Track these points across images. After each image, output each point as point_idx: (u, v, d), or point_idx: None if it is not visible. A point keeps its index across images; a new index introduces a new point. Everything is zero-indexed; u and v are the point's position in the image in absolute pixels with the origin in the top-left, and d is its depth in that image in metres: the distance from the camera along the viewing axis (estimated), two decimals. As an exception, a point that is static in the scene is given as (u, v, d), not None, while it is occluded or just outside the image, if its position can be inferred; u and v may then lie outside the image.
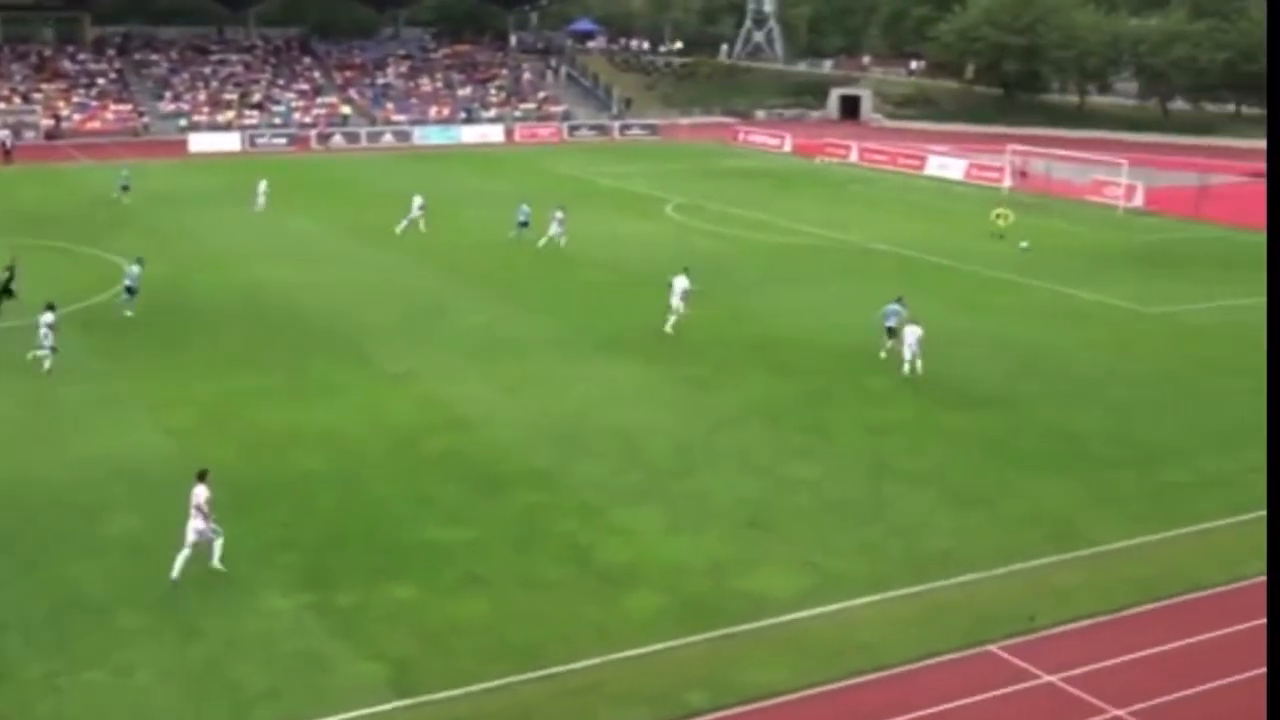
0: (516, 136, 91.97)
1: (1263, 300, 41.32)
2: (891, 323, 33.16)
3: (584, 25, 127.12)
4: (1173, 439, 27.41)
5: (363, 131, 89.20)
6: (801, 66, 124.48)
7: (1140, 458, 26.20)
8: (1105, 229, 52.12)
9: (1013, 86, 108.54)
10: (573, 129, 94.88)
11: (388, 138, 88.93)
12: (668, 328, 35.03)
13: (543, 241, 47.62)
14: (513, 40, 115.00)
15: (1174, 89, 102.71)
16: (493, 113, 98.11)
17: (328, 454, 25.44)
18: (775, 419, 28.16)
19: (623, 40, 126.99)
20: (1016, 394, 30.51)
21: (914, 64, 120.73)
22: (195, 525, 19.80)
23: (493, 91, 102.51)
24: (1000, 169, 70.16)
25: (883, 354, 32.75)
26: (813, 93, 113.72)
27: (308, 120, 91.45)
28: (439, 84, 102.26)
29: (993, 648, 18.41)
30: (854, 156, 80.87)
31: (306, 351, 32.94)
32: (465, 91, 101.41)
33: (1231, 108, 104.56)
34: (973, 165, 73.37)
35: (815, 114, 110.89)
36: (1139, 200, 62.13)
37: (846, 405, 29.27)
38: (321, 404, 28.64)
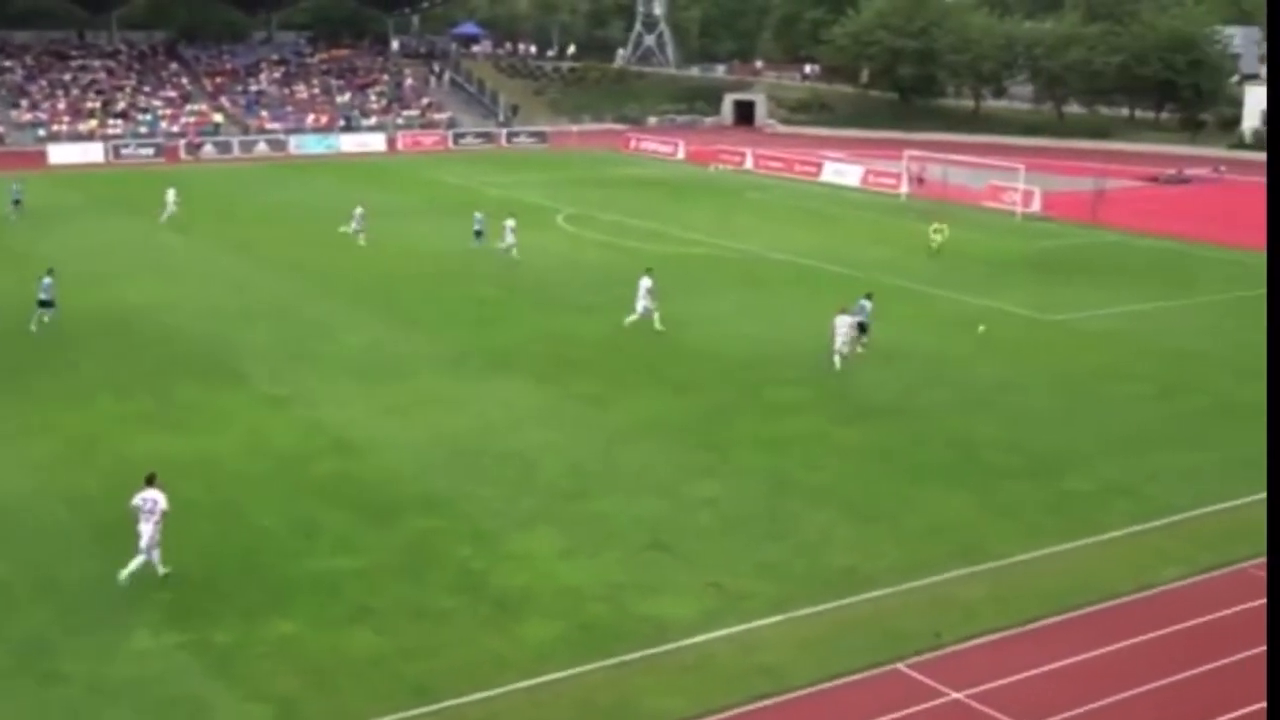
0: (399, 145, 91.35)
1: (1159, 305, 42.72)
2: (861, 318, 35.68)
3: (468, 29, 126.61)
4: (1072, 447, 28.14)
5: (235, 141, 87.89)
6: (694, 71, 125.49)
7: (1041, 467, 26.85)
8: (1003, 235, 53.38)
9: (908, 91, 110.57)
10: (458, 137, 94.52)
11: (262, 147, 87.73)
12: (628, 322, 37.52)
13: (501, 246, 48.09)
14: (394, 44, 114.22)
15: (1069, 92, 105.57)
16: (373, 120, 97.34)
17: (203, 483, 25.02)
18: (674, 436, 28.34)
19: (509, 44, 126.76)
20: (916, 405, 31.08)
21: (808, 68, 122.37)
22: (145, 530, 20.36)
23: (373, 98, 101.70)
24: (897, 175, 71.48)
25: (859, 349, 35.12)
26: (706, 98, 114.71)
27: (176, 130, 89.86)
28: (316, 90, 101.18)
29: (900, 666, 18.72)
30: (749, 163, 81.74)
31: (178, 375, 32.37)
32: (344, 98, 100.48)
33: (1125, 112, 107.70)
34: (869, 172, 74.61)
35: (709, 120, 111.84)
36: (1036, 206, 63.70)
37: (746, 420, 29.56)
38: (196, 430, 28.16)
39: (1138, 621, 20.15)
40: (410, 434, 28.15)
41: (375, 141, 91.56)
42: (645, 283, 38.06)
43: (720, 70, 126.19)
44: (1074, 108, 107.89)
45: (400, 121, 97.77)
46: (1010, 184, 65.41)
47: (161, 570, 20.72)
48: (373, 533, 22.99)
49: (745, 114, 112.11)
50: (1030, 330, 39.25)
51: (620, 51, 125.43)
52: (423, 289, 43.35)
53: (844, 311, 34.88)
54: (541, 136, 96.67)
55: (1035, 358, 35.91)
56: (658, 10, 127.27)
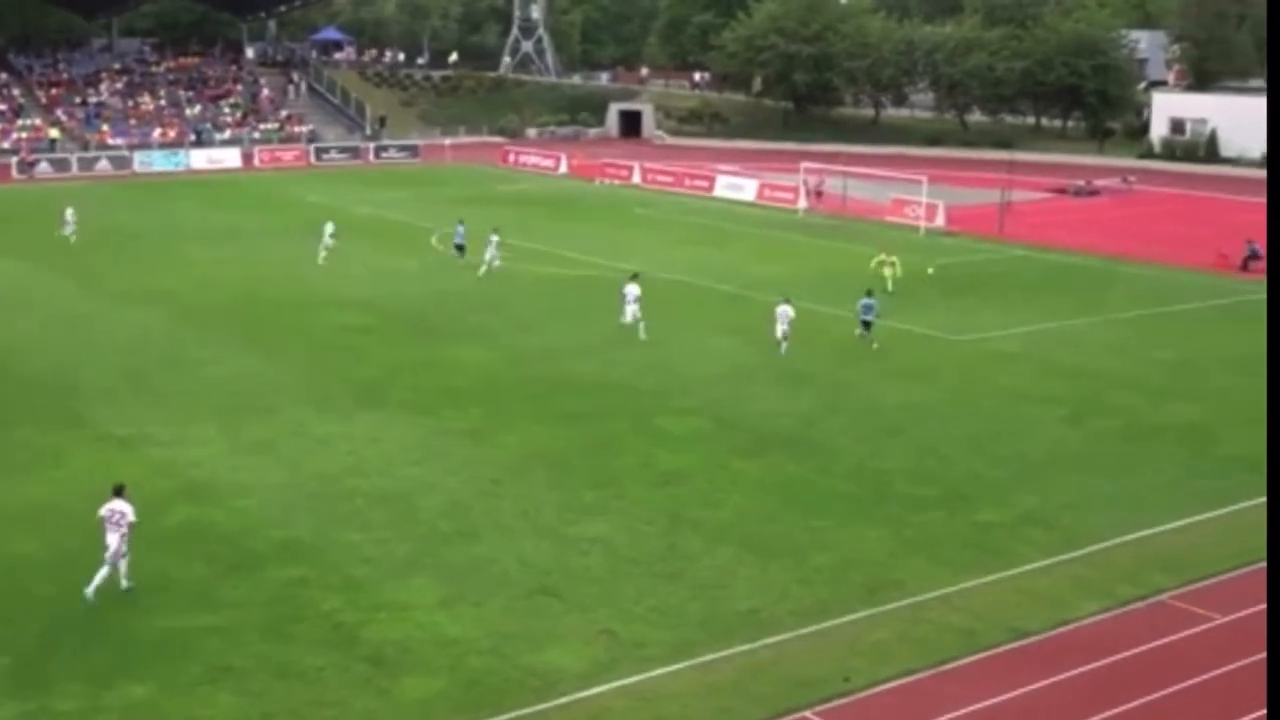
0: (256, 161, 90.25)
1: (1068, 323, 43.70)
2: (867, 316, 39.75)
3: (330, 34, 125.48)
4: (984, 476, 28.61)
5: (73, 158, 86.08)
6: (576, 80, 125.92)
7: (952, 497, 27.25)
8: (907, 252, 54.16)
9: (804, 99, 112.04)
10: (321, 152, 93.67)
11: (103, 164, 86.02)
12: (630, 325, 40.54)
13: (481, 270, 49.58)
14: (248, 52, 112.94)
15: (971, 100, 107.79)
16: (227, 134, 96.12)
17: (40, 536, 24.34)
18: (561, 471, 28.26)
19: (375, 51, 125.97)
20: (818, 433, 31.38)
21: (698, 76, 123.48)
22: (111, 541, 21.53)
23: (227, 110, 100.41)
24: (794, 189, 72.34)
25: (868, 342, 39.46)
26: (589, 108, 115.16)
27: (7, 146, 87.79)
28: (163, 102, 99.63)
29: (808, 713, 18.80)
30: (637, 178, 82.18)
31: (11, 417, 31.51)
32: (194, 110, 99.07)
33: (1030, 120, 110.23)
34: (765, 185, 75.43)
35: (593, 131, 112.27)
36: (940, 220, 64.90)
37: (637, 452, 29.59)
38: (30, 477, 27.41)
39: (1055, 659, 20.48)
40: (273, 475, 27.70)
41: (229, 157, 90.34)
42: (633, 290, 40.88)
43: (604, 78, 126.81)
44: (977, 116, 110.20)
45: (256, 136, 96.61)
46: (913, 197, 66.58)
47: (125, 584, 21.77)
48: (231, 585, 22.55)
49: (632, 125, 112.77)
50: (937, 352, 39.89)
51: (507, 60, 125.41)
52: (287, 317, 42.80)
53: (786, 301, 39.27)
54: (412, 151, 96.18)
55: (943, 381, 36.48)
56: (536, 14, 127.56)
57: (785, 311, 38.91)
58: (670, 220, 66.69)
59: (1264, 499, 26.91)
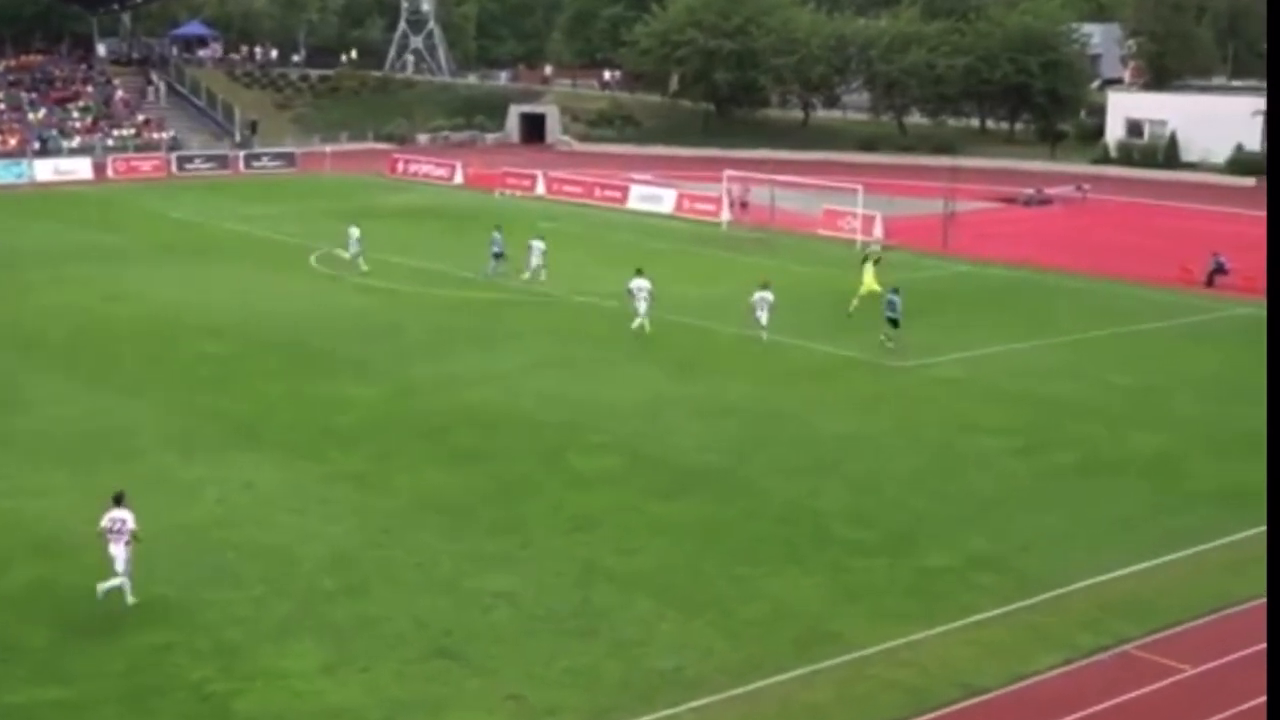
0: (110, 172, 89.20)
1: (1017, 346, 44.30)
2: (891, 313, 42.66)
3: (193, 29, 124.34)
4: (930, 516, 28.86)
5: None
6: (471, 79, 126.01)
7: (895, 541, 27.46)
8: (842, 269, 54.69)
9: (726, 100, 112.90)
10: (183, 161, 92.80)
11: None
12: (635, 326, 44.21)
13: (525, 275, 52.40)
14: (100, 49, 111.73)
15: (909, 101, 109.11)
16: (76, 142, 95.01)
17: None
18: (460, 518, 28.13)
19: (245, 48, 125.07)
20: (745, 471, 31.50)
21: (608, 75, 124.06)
22: (117, 552, 23.35)
23: (76, 114, 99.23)
24: (716, 199, 72.74)
25: (883, 339, 42.77)
26: (487, 111, 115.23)
27: None
28: (2, 106, 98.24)
29: (737, 784, 18.83)
30: (541, 188, 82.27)
31: None
32: (38, 115, 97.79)
33: (975, 122, 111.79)
34: (684, 196, 75.80)
35: (491, 137, 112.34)
36: (878, 233, 65.54)
37: (545, 494, 29.54)
38: None
39: (1012, 718, 20.67)
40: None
41: (79, 168, 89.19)
42: (644, 284, 44.61)
43: (503, 78, 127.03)
44: (916, 118, 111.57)
45: (110, 143, 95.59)
46: (847, 208, 67.20)
47: (130, 600, 23.30)
48: (85, 654, 22.18)
49: (535, 129, 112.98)
50: (876, 379, 40.25)
51: (394, 58, 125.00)
52: (146, 348, 42.30)
53: (765, 287, 44.16)
54: (288, 159, 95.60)
55: (883, 411, 36.81)
56: (426, 6, 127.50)
57: (765, 298, 43.76)
58: (579, 235, 66.78)
59: (1236, 537, 27.48)
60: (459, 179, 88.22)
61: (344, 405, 36.13)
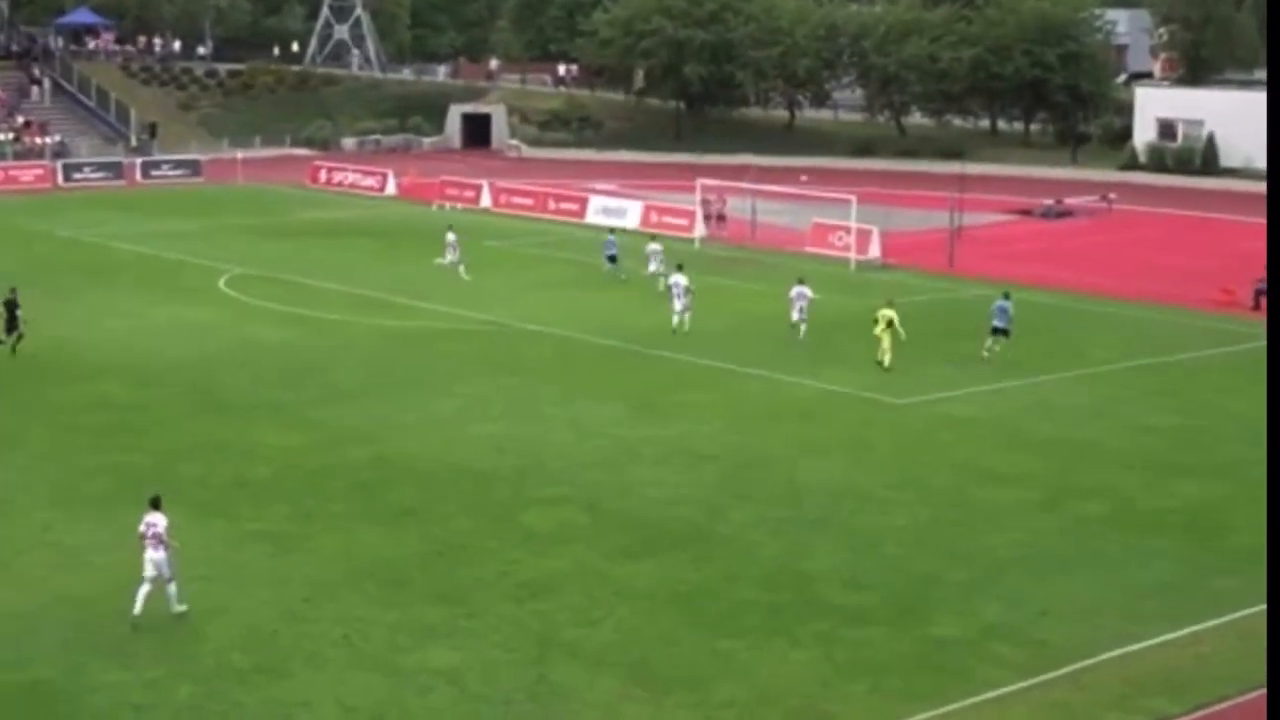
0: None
1: (1037, 380, 44.45)
2: (1000, 322, 45.39)
3: (82, 17, 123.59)
4: (937, 578, 28.85)
5: None
6: (405, 74, 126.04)
7: (897, 607, 27.43)
8: (834, 292, 54.82)
9: (699, 99, 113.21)
10: (71, 170, 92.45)
11: None
12: (675, 326, 49.25)
13: (662, 285, 55.00)
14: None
15: (909, 99, 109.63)
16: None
17: None
18: (395, 585, 28.01)
19: (142, 39, 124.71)
20: (723, 528, 31.45)
21: (563, 69, 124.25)
22: (153, 557, 25.60)
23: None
24: (689, 212, 72.80)
25: (985, 354, 45.23)
26: (423, 111, 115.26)
27: None
28: None
29: None
30: (486, 200, 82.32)
31: None
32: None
33: (985, 123, 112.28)
34: (651, 208, 75.90)
35: (428, 141, 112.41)
36: (874, 251, 65.75)
37: (492, 557, 29.44)
38: None
39: (1033, 810, 20.67)
40: (7, 598, 27.11)
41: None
42: (680, 280, 49.85)
43: (442, 73, 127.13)
44: (917, 118, 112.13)
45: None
46: (839, 222, 67.39)
47: (178, 608, 25.99)
48: (-42, 747, 21.98)
49: (479, 132, 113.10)
50: (874, 418, 40.29)
51: (315, 50, 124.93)
52: (26, 390, 42.02)
53: (801, 282, 48.12)
54: (193, 168, 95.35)
55: (882, 456, 36.83)
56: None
57: (803, 292, 47.70)
58: (531, 255, 66.79)
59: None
60: (391, 190, 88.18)
61: (260, 455, 35.95)
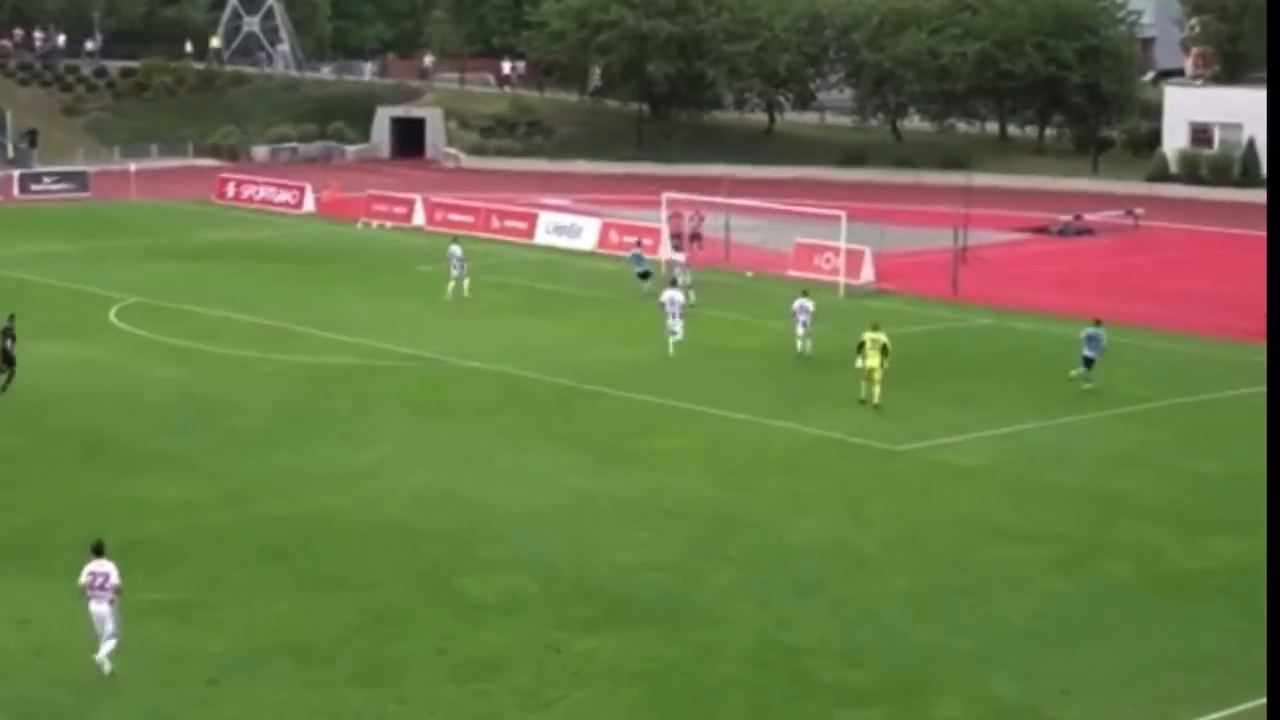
0: None
1: (1054, 423, 44.54)
2: (1090, 352, 47.37)
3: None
4: (941, 651, 28.75)
5: None
6: (326, 73, 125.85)
7: (896, 685, 27.36)
8: (821, 322, 54.46)
9: (665, 101, 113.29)
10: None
11: None
12: (671, 349, 51.43)
13: (694, 298, 57.85)
14: None
15: (906, 100, 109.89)
16: None
17: None
18: (313, 663, 27.82)
19: (19, 32, 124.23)
20: (698, 594, 31.36)
21: (508, 67, 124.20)
22: (97, 610, 26.17)
23: None
24: (653, 231, 72.63)
25: (1081, 381, 47.41)
26: (347, 116, 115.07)
27: None
28: None
29: None
30: (420, 218, 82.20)
31: None
32: None
33: (994, 128, 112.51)
34: (610, 227, 75.84)
35: (353, 150, 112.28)
36: (867, 274, 65.83)
37: (428, 630, 29.29)
38: None
39: None
40: None
41: None
42: (677, 297, 52.43)
43: (368, 71, 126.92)
44: (916, 123, 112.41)
45: None
46: (826, 242, 67.53)
47: (107, 668, 25.87)
48: None
49: (411, 139, 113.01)
50: (867, 468, 40.28)
51: (220, 46, 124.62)
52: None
53: (804, 295, 51.37)
54: (79, 181, 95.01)
55: (879, 511, 36.78)
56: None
57: (805, 305, 50.96)
58: (472, 281, 66.70)
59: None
60: (309, 206, 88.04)
61: (155, 513, 35.71)
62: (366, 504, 36.70)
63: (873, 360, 45.09)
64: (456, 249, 62.70)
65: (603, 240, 75.13)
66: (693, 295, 57.54)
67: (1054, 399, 47.20)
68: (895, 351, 45.44)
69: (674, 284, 54.35)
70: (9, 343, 45.86)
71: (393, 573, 32.25)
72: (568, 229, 77.39)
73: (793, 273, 66.95)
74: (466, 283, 61.66)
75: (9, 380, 45.80)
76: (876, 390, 45.15)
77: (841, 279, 64.76)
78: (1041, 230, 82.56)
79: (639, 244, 66.31)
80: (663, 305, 52.51)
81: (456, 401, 46.41)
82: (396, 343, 53.48)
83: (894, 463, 40.82)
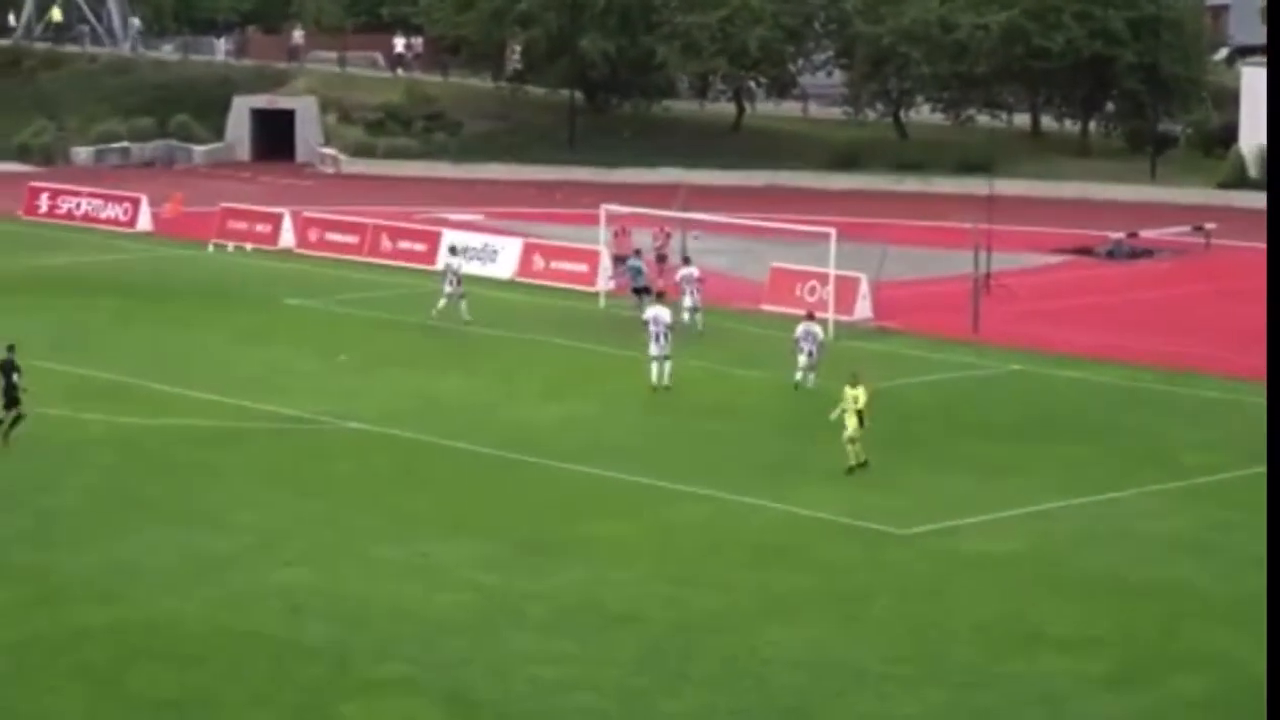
0: None
1: (1101, 498, 44.61)
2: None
3: None
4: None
5: None
6: (167, 52, 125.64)
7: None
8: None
9: (603, 87, 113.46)
10: None
11: None
12: (655, 382, 54.76)
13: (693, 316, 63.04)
14: None
15: (912, 87, 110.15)
16: None
17: None
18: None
19: None
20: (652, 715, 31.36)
21: (401, 44, 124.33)
22: None
23: None
24: (589, 255, 72.68)
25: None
26: (194, 107, 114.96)
27: None
28: None
29: None
30: (288, 238, 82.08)
31: None
32: None
33: (1022, 121, 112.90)
34: (534, 249, 75.80)
35: (202, 150, 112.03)
36: (863, 308, 65.94)
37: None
38: None
39: None
40: None
41: None
42: (662, 315, 55.40)
43: (222, 50, 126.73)
44: (925, 115, 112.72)
45: None
46: (810, 268, 67.66)
47: None
48: None
49: (277, 137, 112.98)
50: (867, 557, 40.25)
51: (29, 21, 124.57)
52: None
53: (810, 318, 55.19)
54: None
55: (879, 614, 36.77)
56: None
57: (812, 331, 54.54)
58: (353, 319, 66.57)
59: None
60: (145, 224, 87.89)
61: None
62: (218, 608, 36.46)
63: (851, 425, 45.84)
64: (455, 260, 66.00)
65: (524, 266, 75.09)
66: (699, 320, 62.88)
67: (1102, 467, 47.30)
68: (901, 404, 45.55)
69: (659, 296, 58.16)
70: (15, 378, 48.27)
71: (252, 697, 32.10)
72: (480, 252, 77.16)
73: (767, 307, 67.08)
74: (464, 304, 64.11)
75: (15, 421, 48.24)
76: (853, 449, 45.87)
77: (830, 315, 64.65)
78: (1086, 251, 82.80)
79: (637, 252, 68.23)
80: (647, 324, 55.73)
81: (337, 474, 46.20)
82: (260, 399, 53.32)
83: (899, 550, 40.79)
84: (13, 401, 47.77)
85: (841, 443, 46.16)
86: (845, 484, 45.00)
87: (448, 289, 64.77)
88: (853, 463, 45.84)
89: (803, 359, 53.95)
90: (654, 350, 54.71)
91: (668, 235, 73.36)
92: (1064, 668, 33.92)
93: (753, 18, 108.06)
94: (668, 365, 54.66)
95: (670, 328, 55.16)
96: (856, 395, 45.78)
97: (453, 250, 68.33)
